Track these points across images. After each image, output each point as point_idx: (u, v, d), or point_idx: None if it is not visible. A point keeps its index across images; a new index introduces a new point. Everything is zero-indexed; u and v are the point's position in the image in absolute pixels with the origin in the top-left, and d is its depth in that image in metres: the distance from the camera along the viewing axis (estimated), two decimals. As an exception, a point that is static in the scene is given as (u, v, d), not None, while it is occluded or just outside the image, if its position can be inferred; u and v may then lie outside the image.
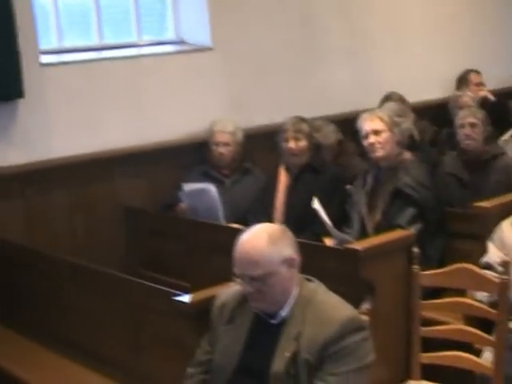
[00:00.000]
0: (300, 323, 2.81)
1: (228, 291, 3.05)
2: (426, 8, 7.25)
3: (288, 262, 2.83)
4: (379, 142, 4.60)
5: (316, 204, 4.48)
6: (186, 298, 3.37)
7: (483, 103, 6.57)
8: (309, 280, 2.95)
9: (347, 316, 2.80)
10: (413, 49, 7.09)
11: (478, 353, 3.93)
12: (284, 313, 2.86)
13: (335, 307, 2.85)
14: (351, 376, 2.75)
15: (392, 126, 4.64)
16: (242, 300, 2.94)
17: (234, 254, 2.82)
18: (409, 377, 3.90)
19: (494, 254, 4.07)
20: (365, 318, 3.06)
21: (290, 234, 2.91)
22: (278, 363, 2.77)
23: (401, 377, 3.91)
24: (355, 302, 3.45)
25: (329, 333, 2.74)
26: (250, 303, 2.88)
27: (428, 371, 3.90)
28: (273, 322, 2.87)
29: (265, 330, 2.88)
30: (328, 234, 4.54)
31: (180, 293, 3.42)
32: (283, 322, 2.85)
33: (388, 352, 3.86)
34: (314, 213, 4.52)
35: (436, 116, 6.58)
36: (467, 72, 7.06)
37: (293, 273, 2.87)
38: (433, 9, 7.30)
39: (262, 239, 2.80)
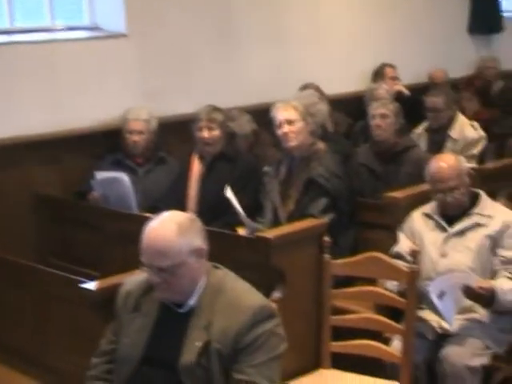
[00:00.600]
0: (210, 312, 2.77)
1: (134, 279, 2.98)
2: (346, 2, 7.30)
3: (197, 253, 2.78)
4: (292, 132, 4.59)
5: (228, 193, 4.45)
6: (91, 286, 3.32)
7: (398, 97, 6.65)
8: (216, 267, 2.91)
9: (258, 304, 2.78)
10: (331, 42, 7.11)
11: (388, 342, 3.97)
12: (192, 302, 2.81)
13: (246, 295, 2.82)
14: (268, 365, 2.74)
15: (306, 115, 4.64)
16: (148, 288, 2.87)
17: (141, 242, 2.77)
18: (319, 365, 3.92)
19: (404, 244, 4.11)
20: (275, 306, 3.04)
21: (198, 223, 2.86)
22: (188, 354, 2.73)
23: (311, 365, 3.92)
24: (266, 291, 3.46)
25: (241, 322, 2.72)
26: (156, 293, 2.82)
27: (339, 360, 3.92)
28: (180, 311, 2.83)
29: (172, 319, 2.83)
30: (241, 224, 4.53)
31: (86, 280, 3.36)
32: (191, 312, 2.80)
33: (298, 341, 3.85)
34: (228, 202, 4.50)
35: (352, 109, 6.63)
36: (383, 66, 7.14)
37: (201, 263, 2.82)
38: (352, 3, 7.35)
39: (171, 229, 2.74)
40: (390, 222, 4.43)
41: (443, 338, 3.90)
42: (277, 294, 3.76)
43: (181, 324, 2.79)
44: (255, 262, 3.80)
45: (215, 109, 5.14)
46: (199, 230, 2.83)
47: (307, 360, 3.92)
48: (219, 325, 2.74)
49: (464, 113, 6.48)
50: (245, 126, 5.72)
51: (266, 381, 2.71)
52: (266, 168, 4.85)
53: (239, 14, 6.44)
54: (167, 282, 2.75)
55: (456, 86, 7.32)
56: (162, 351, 2.80)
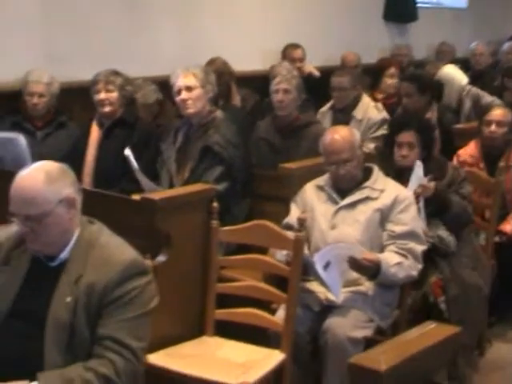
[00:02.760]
0: (81, 266, 2.72)
1: (5, 231, 2.90)
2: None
3: (67, 202, 2.73)
4: (191, 99, 4.56)
5: (127, 151, 4.40)
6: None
7: (308, 78, 6.68)
8: (91, 222, 2.85)
9: (130, 259, 2.74)
10: (243, 18, 7.07)
11: (274, 312, 3.96)
12: (63, 255, 2.76)
13: (118, 250, 2.77)
14: (135, 322, 2.69)
15: (205, 82, 4.61)
16: (20, 241, 2.81)
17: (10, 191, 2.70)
18: (203, 332, 3.90)
19: (295, 215, 4.10)
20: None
21: (71, 173, 2.81)
22: (58, 308, 2.68)
23: (195, 332, 3.89)
24: (152, 255, 3.42)
25: (111, 276, 2.67)
26: (27, 244, 2.76)
27: (225, 328, 3.91)
28: (52, 264, 2.77)
29: (43, 273, 2.77)
30: (137, 191, 4.47)
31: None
32: (63, 265, 2.75)
33: (183, 306, 3.84)
34: (124, 169, 4.44)
35: (260, 86, 6.61)
36: (290, 46, 7.13)
37: (73, 214, 2.76)
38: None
39: (39, 177, 2.70)
40: (286, 193, 4.43)
41: (328, 309, 3.90)
42: (161, 258, 3.72)
43: (52, 278, 2.74)
44: (141, 225, 3.74)
45: (114, 72, 5.06)
46: (71, 180, 2.78)
47: (190, 326, 3.89)
48: (89, 279, 2.69)
49: (381, 89, 6.57)
50: (150, 95, 5.66)
51: (131, 337, 2.66)
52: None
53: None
54: (35, 231, 2.69)
55: (368, 71, 7.36)
56: (31, 305, 2.73)
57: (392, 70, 6.83)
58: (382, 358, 2.04)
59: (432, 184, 4.29)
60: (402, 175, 4.35)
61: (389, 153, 4.57)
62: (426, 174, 4.38)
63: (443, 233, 4.34)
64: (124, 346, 2.64)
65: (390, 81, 6.77)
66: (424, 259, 4.02)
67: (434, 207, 4.29)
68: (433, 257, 4.28)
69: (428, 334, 2.22)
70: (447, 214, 4.35)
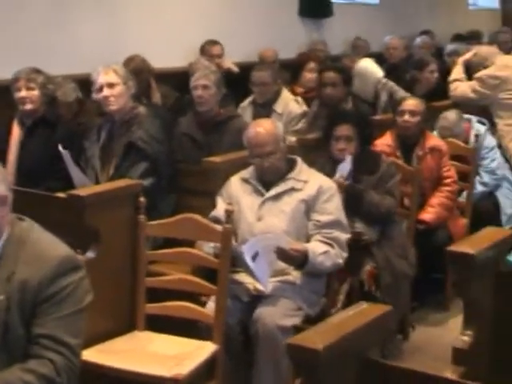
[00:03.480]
0: (13, 264, 2.68)
1: None
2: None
3: None
4: (113, 95, 4.57)
5: (60, 148, 4.40)
6: None
7: (227, 74, 6.72)
8: (21, 219, 2.84)
9: (63, 255, 2.72)
10: (162, 15, 7.07)
11: (204, 304, 3.99)
12: (-5, 252, 2.74)
13: (51, 246, 2.75)
14: (71, 319, 2.68)
15: (127, 79, 4.63)
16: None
17: None
18: (134, 327, 3.91)
19: (221, 208, 4.13)
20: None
21: (1, 170, 2.79)
22: (-10, 307, 2.65)
23: (126, 327, 3.90)
24: (80, 251, 3.41)
25: (45, 272, 2.65)
26: None
27: (157, 322, 3.93)
28: (-16, 263, 2.74)
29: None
30: (62, 189, 4.44)
31: None
32: None
33: (113, 302, 3.84)
34: (49, 168, 4.41)
35: (180, 83, 6.63)
36: (209, 42, 7.18)
37: (4, 211, 2.74)
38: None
39: None
40: (211, 187, 4.46)
41: (258, 299, 3.96)
42: (90, 254, 3.72)
43: (-17, 273, 2.71)
44: (68, 222, 3.73)
45: (35, 70, 5.00)
46: (1, 177, 2.75)
47: (121, 321, 3.89)
48: (22, 276, 2.66)
49: (301, 83, 6.66)
50: (69, 93, 5.60)
51: (68, 335, 2.66)
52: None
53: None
54: (-34, 229, 2.66)
55: (285, 66, 7.44)
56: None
57: (311, 65, 6.93)
58: (319, 337, 2.11)
59: (341, 180, 4.39)
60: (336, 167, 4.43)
61: (326, 145, 4.65)
62: (358, 168, 4.49)
63: (360, 226, 4.46)
64: (63, 344, 2.63)
65: (309, 75, 6.85)
66: (359, 247, 4.12)
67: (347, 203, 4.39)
68: (367, 245, 4.40)
69: (361, 313, 2.30)
70: (360, 210, 4.47)
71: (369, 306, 2.35)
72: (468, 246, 2.88)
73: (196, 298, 4.01)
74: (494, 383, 2.32)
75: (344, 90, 5.96)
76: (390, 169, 4.68)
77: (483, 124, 5.97)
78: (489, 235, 3.07)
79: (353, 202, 4.42)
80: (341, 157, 4.55)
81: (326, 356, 2.05)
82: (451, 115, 5.81)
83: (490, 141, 5.87)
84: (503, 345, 2.99)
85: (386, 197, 4.56)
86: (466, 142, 5.81)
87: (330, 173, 4.43)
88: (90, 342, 3.57)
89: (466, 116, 5.96)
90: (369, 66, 6.77)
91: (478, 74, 6.10)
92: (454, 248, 2.91)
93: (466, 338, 2.86)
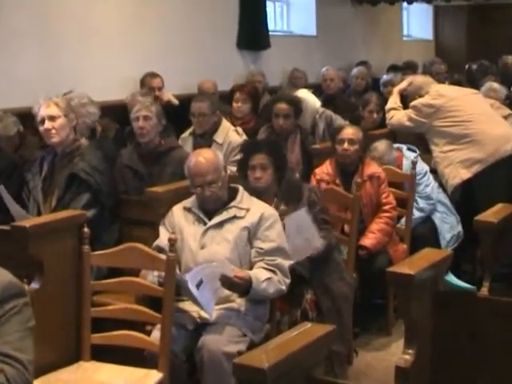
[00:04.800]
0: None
1: None
2: (116, 9, 7.36)
3: None
4: (54, 128, 4.59)
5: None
6: None
7: (167, 106, 6.78)
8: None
9: (7, 280, 2.73)
10: (100, 48, 7.12)
11: (150, 333, 4.01)
12: None
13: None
14: (19, 335, 2.68)
15: (68, 111, 4.66)
16: None
17: None
18: (79, 358, 3.90)
19: (164, 238, 4.16)
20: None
21: None
22: None
23: (72, 358, 3.89)
24: (26, 281, 3.41)
25: None
26: None
27: (101, 351, 3.93)
28: None
29: None
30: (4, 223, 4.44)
31: None
32: None
33: (58, 333, 3.85)
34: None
35: (119, 115, 6.67)
36: (149, 74, 7.23)
37: None
38: (123, 11, 7.42)
39: None
40: (153, 217, 4.50)
41: (203, 327, 3.99)
42: (34, 285, 3.72)
43: None
44: (13, 254, 3.72)
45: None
46: None
47: (67, 352, 3.89)
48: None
49: (234, 115, 6.75)
50: (10, 127, 5.61)
51: (15, 350, 2.65)
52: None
53: (8, 11, 6.31)
54: None
55: (224, 97, 7.53)
56: None
57: (237, 95, 7.02)
58: (264, 356, 2.15)
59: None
60: (258, 197, 4.49)
61: (244, 176, 4.73)
62: (284, 196, 4.60)
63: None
64: (11, 357, 2.63)
65: (235, 105, 6.97)
66: (298, 277, 4.19)
67: None
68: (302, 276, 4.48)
69: (304, 333, 2.35)
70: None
71: (312, 326, 2.41)
72: (407, 267, 2.96)
73: (141, 327, 4.02)
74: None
75: (294, 122, 6.09)
76: (312, 195, 4.76)
77: (414, 151, 6.12)
78: (427, 256, 3.16)
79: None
80: (258, 185, 4.60)
81: (272, 375, 2.10)
82: (381, 146, 5.93)
83: (421, 166, 6.00)
84: (443, 362, 3.07)
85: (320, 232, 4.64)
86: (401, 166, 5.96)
87: None
88: (35, 374, 3.53)
89: (396, 145, 6.11)
90: (306, 97, 6.88)
91: (414, 103, 6.23)
92: (393, 269, 2.99)
93: (407, 357, 2.94)
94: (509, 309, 3.05)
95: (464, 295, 3.11)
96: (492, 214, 3.82)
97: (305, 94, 6.96)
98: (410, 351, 2.94)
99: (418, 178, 5.87)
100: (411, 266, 2.98)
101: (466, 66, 11.07)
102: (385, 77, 8.69)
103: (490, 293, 3.50)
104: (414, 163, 5.76)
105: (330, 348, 3.16)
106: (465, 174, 5.92)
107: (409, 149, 6.14)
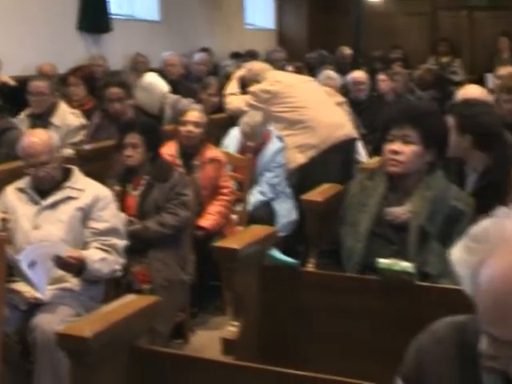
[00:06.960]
0: None
1: None
2: None
3: None
4: None
5: None
6: None
7: (3, 86, 6.67)
8: None
9: None
10: None
11: None
12: None
13: None
14: None
15: None
16: None
17: None
18: None
19: (-2, 218, 4.13)
20: None
21: None
22: None
23: None
24: None
25: None
26: None
27: None
28: None
29: None
30: None
31: None
32: None
33: None
34: None
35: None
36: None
37: None
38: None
39: None
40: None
41: (36, 307, 3.96)
42: None
43: None
44: None
45: None
46: None
47: None
48: None
49: (71, 98, 6.69)
50: None
51: None
52: None
53: None
54: None
55: (64, 80, 7.44)
56: None
57: (71, 79, 7.00)
58: (87, 326, 2.20)
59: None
60: (129, 174, 4.61)
61: (120, 153, 4.81)
62: (152, 175, 4.76)
63: None
64: None
65: (70, 88, 6.94)
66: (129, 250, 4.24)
67: None
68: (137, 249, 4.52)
69: (128, 304, 2.41)
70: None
71: (136, 298, 2.47)
72: (233, 242, 3.07)
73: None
74: (261, 370, 2.47)
75: (128, 104, 6.11)
76: (182, 178, 4.85)
77: (281, 141, 6.20)
78: (253, 232, 3.27)
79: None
80: (129, 163, 4.74)
81: (95, 343, 2.15)
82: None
83: (280, 159, 6.11)
84: (270, 334, 3.19)
85: (178, 210, 4.74)
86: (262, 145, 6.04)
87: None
88: None
89: (271, 127, 6.19)
90: (154, 81, 6.89)
91: (252, 89, 6.37)
92: (219, 244, 3.08)
93: (233, 329, 3.04)
94: (330, 281, 3.21)
95: (288, 269, 3.22)
96: (318, 194, 3.96)
97: (153, 78, 6.97)
98: (236, 323, 3.04)
99: (272, 165, 5.98)
100: (237, 241, 3.08)
101: (306, 55, 11.38)
102: (225, 63, 8.81)
103: (316, 268, 3.64)
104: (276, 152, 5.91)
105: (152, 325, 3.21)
106: (300, 159, 6.12)
107: (278, 137, 6.22)
